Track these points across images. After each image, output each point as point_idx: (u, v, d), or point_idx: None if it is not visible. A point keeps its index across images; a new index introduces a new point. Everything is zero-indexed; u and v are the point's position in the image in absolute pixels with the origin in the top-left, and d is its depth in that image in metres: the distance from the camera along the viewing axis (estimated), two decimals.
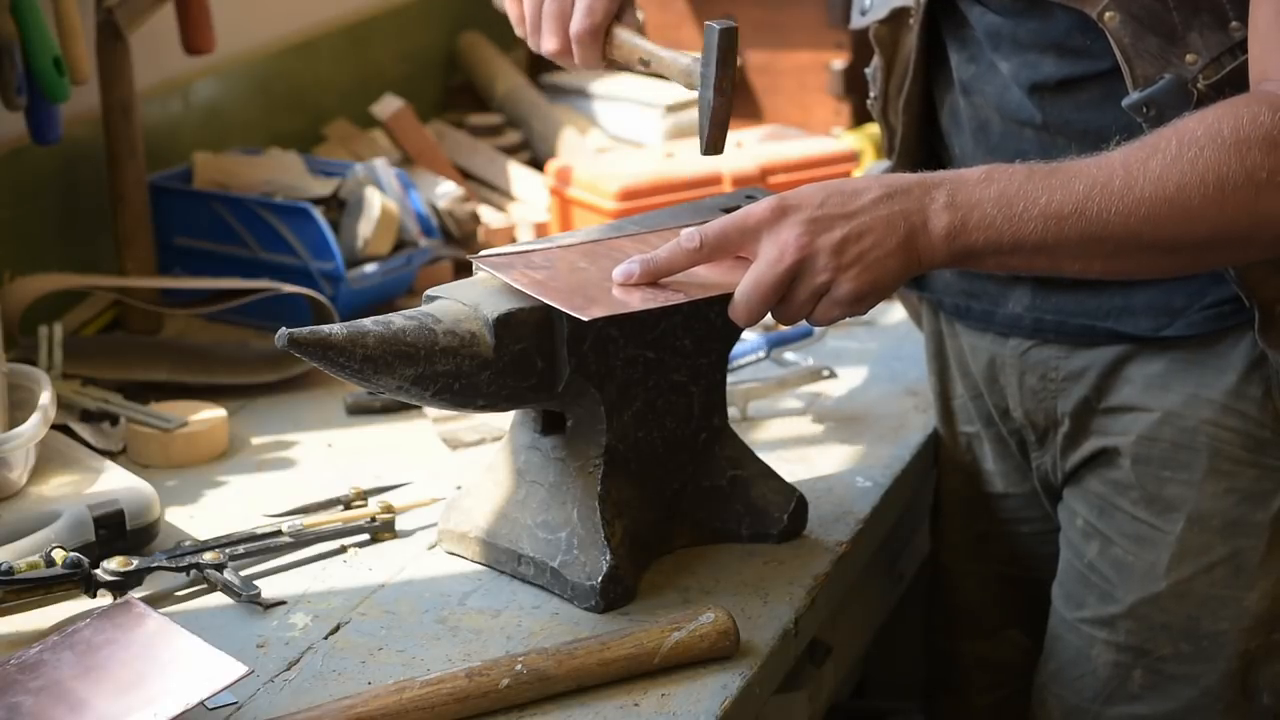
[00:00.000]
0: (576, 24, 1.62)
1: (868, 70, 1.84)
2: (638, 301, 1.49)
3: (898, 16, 1.76)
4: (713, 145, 1.60)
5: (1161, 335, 1.66)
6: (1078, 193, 1.44)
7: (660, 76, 1.64)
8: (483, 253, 1.59)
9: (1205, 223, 1.44)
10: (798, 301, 1.48)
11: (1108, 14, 1.55)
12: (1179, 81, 1.52)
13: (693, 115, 2.63)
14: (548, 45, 1.64)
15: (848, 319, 2.15)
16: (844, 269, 1.45)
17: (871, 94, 1.83)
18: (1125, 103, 1.55)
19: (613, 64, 1.65)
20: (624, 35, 1.64)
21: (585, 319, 1.46)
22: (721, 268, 1.51)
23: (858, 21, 1.83)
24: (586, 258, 1.56)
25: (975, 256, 1.47)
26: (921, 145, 1.81)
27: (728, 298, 1.49)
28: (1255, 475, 1.66)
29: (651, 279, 1.49)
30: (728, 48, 1.56)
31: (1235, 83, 1.51)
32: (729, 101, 1.59)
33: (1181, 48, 1.53)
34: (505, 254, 1.58)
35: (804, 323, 2.03)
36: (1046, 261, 1.49)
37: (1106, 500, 1.73)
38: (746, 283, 1.47)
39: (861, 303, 1.48)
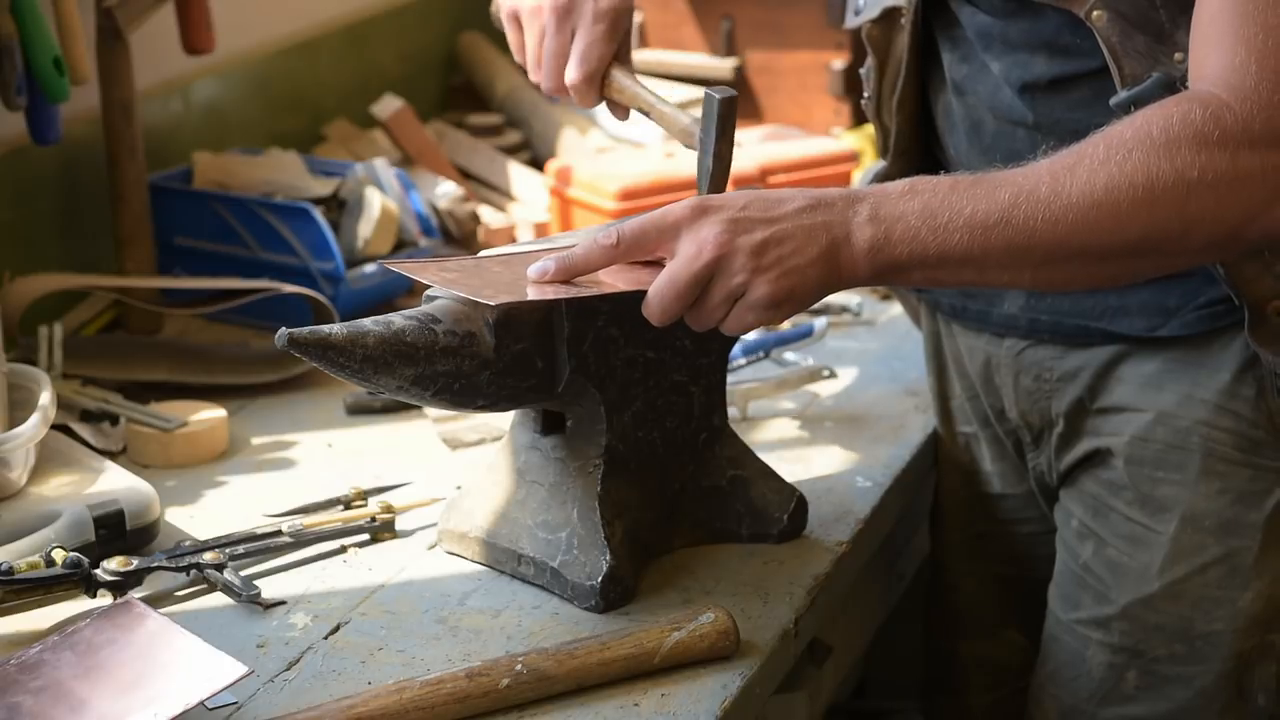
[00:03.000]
0: (571, 73, 1.63)
1: (862, 70, 1.83)
2: (550, 293, 1.48)
3: (889, 16, 1.75)
4: None
5: (1156, 335, 1.66)
6: (1003, 201, 1.42)
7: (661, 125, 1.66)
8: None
9: (1136, 227, 1.41)
10: (712, 303, 1.45)
11: (1095, 13, 1.54)
12: (1166, 80, 1.51)
13: (692, 115, 2.65)
14: (546, 85, 1.65)
15: (847, 321, 2.18)
16: (761, 271, 1.43)
17: (865, 94, 1.83)
18: (1113, 102, 1.54)
19: (613, 104, 1.66)
20: (623, 81, 1.65)
21: (492, 304, 1.45)
22: (640, 270, 1.50)
23: (851, 22, 1.82)
24: (502, 264, 1.56)
25: (900, 270, 1.45)
26: (917, 145, 1.81)
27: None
28: (1249, 476, 1.65)
29: (566, 277, 1.47)
30: (726, 116, 1.57)
31: None
32: (727, 167, 1.59)
33: (1170, 46, 1.52)
34: (418, 260, 1.58)
35: (804, 323, 2.06)
36: (974, 273, 1.46)
37: (1100, 501, 1.72)
38: (661, 280, 1.45)
39: (777, 309, 1.45)
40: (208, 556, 1.60)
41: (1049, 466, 1.79)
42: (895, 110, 1.78)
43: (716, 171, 1.59)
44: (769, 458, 1.71)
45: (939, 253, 1.43)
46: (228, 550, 1.62)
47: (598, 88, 1.64)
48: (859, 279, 1.46)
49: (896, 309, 2.17)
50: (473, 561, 1.64)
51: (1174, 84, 1.51)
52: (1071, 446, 1.75)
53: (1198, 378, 1.65)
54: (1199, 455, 1.66)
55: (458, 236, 2.35)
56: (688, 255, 1.43)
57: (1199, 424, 1.66)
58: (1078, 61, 1.60)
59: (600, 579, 1.54)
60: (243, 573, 1.60)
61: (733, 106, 1.57)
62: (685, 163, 2.35)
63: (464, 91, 2.86)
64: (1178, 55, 1.51)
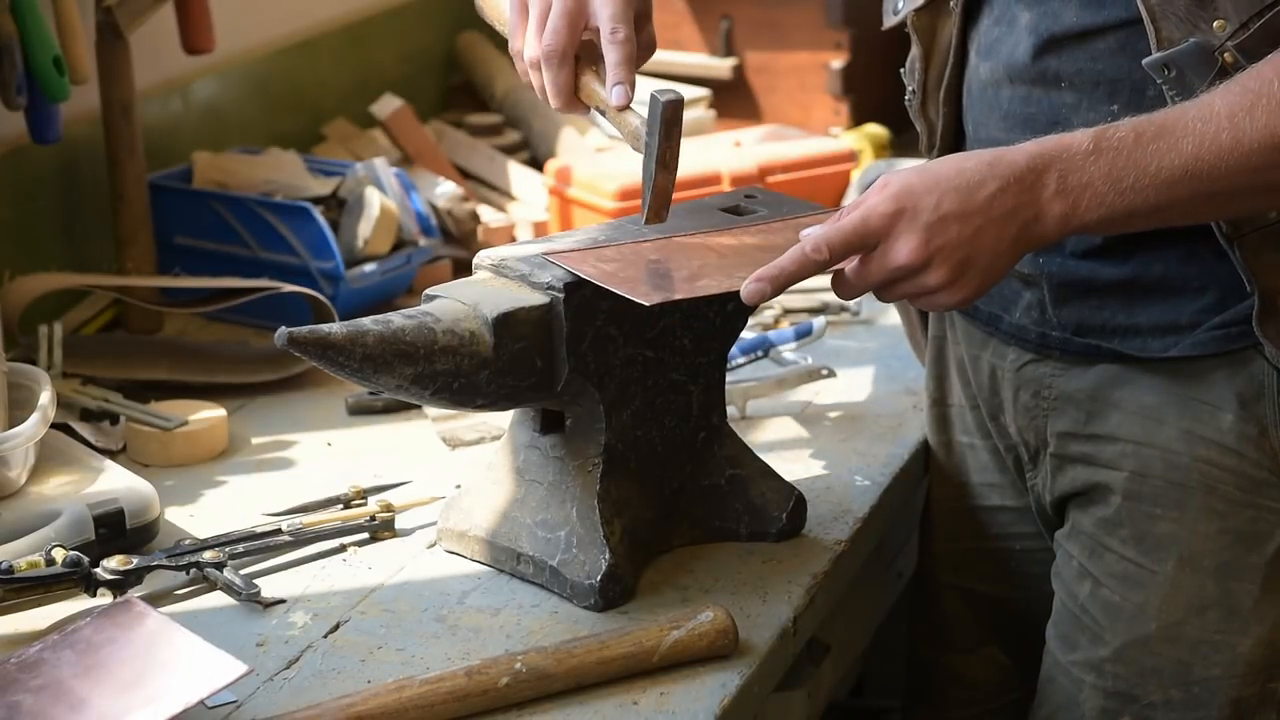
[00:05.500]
0: (545, 41, 1.57)
1: (903, 69, 1.80)
2: (705, 288, 1.51)
3: (936, 2, 1.73)
4: (654, 215, 1.58)
5: (1167, 356, 1.62)
6: (1186, 153, 1.45)
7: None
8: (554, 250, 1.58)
9: None
10: (901, 292, 1.49)
11: None
12: (1204, 47, 1.50)
13: (692, 115, 2.65)
14: (529, 52, 1.60)
15: (846, 320, 2.18)
16: (954, 280, 1.46)
17: (910, 89, 1.79)
18: (1145, 62, 1.53)
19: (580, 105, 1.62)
20: (589, 81, 1.59)
21: (648, 303, 1.47)
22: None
23: (890, 20, 1.78)
24: (659, 251, 1.58)
25: (1087, 231, 1.49)
26: (960, 141, 1.77)
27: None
28: (1250, 516, 1.61)
29: (781, 290, 1.49)
30: (671, 121, 1.53)
31: (1260, 46, 1.48)
32: (672, 175, 1.56)
33: (1210, 11, 1.50)
34: (578, 249, 1.58)
35: (803, 322, 2.06)
36: (1160, 221, 1.50)
37: (1096, 540, 1.68)
38: (855, 272, 1.49)
39: (965, 304, 1.50)
40: (207, 555, 1.60)
41: (1045, 488, 1.75)
42: (942, 102, 1.75)
43: (660, 179, 1.56)
44: (768, 457, 1.72)
45: (1127, 212, 1.47)
46: (227, 549, 1.62)
47: (570, 70, 1.58)
48: (1048, 245, 1.52)
49: (895, 310, 2.17)
50: (472, 560, 1.64)
51: (1211, 52, 1.50)
52: (1066, 472, 1.71)
53: (1200, 413, 1.62)
54: (1199, 493, 1.62)
55: (457, 236, 2.35)
56: (884, 259, 1.47)
57: (1199, 461, 1.62)
58: (1108, 11, 1.58)
59: (599, 577, 1.54)
60: (242, 571, 1.60)
61: (678, 111, 1.53)
62: (684, 162, 2.34)
63: (463, 91, 2.87)
64: (1218, 23, 1.50)
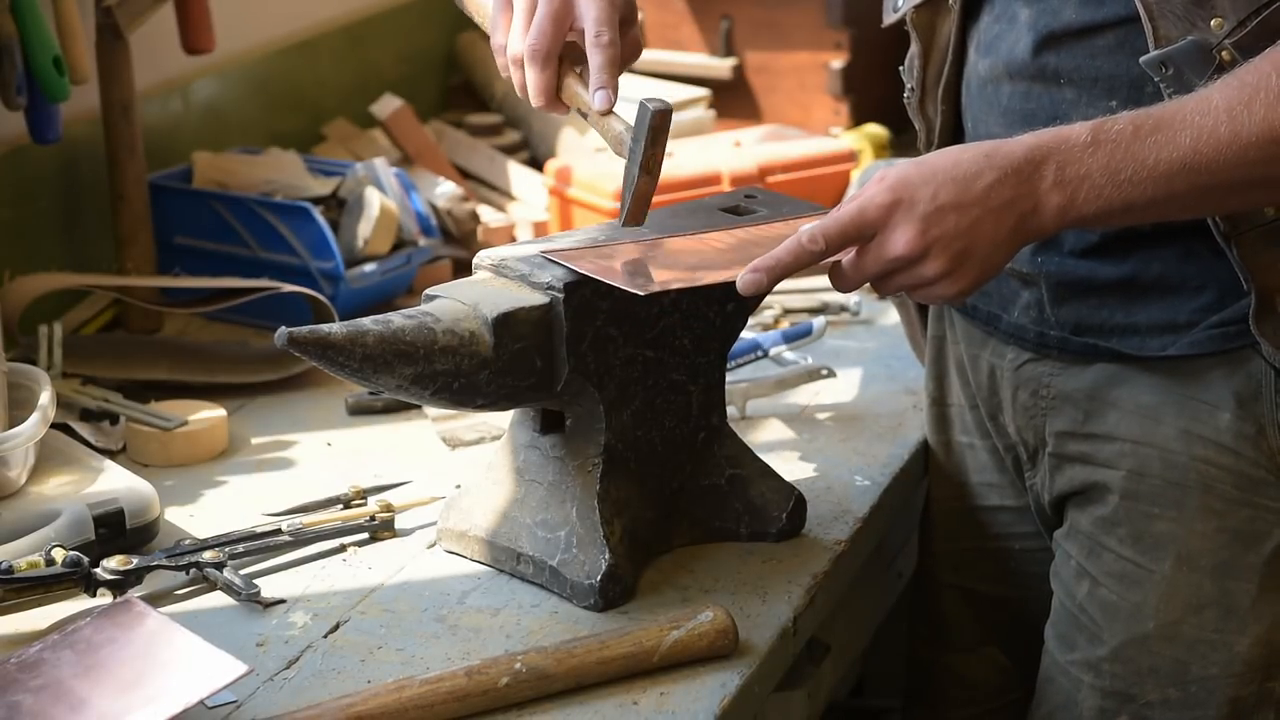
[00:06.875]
0: (530, 39, 1.58)
1: (902, 67, 1.80)
2: (696, 279, 1.52)
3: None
4: (632, 217, 1.58)
5: (1164, 355, 1.63)
6: (1184, 146, 1.44)
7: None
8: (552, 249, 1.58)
9: None
10: (898, 284, 1.49)
11: None
12: (1201, 45, 1.50)
13: (692, 115, 2.66)
14: (512, 49, 1.60)
15: (846, 320, 2.18)
16: (951, 271, 1.46)
17: (909, 86, 1.79)
18: (1143, 60, 1.53)
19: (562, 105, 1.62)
20: (571, 83, 1.60)
21: (642, 293, 1.48)
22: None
23: (889, 18, 1.78)
24: (658, 249, 1.59)
25: (1085, 224, 1.49)
26: (959, 139, 1.76)
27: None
28: (1247, 515, 1.61)
29: (778, 281, 1.49)
30: (659, 129, 1.54)
31: (1258, 44, 1.48)
32: (654, 180, 1.57)
33: (1208, 10, 1.50)
34: (578, 248, 1.59)
35: (803, 322, 2.06)
36: (1157, 214, 1.50)
37: (1094, 540, 1.68)
38: (850, 265, 1.48)
39: (962, 296, 1.49)
40: (207, 555, 1.60)
41: (1043, 487, 1.76)
42: (941, 99, 1.75)
43: (642, 184, 1.56)
44: (768, 457, 1.72)
45: (1124, 205, 1.46)
46: (227, 549, 1.62)
47: (553, 71, 1.58)
48: (1046, 237, 1.52)
49: (895, 309, 2.17)
50: (472, 560, 1.64)
51: (1209, 51, 1.50)
52: (1064, 472, 1.72)
53: (1198, 413, 1.62)
54: (1197, 492, 1.62)
55: (457, 236, 2.35)
56: (881, 250, 1.47)
57: (1197, 460, 1.62)
58: (1107, 9, 1.58)
59: (599, 577, 1.54)
60: (242, 571, 1.60)
61: (666, 120, 1.54)
62: (684, 162, 2.36)
63: (463, 91, 2.87)
64: (1215, 21, 1.50)
